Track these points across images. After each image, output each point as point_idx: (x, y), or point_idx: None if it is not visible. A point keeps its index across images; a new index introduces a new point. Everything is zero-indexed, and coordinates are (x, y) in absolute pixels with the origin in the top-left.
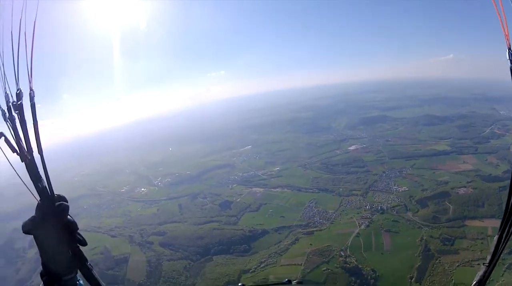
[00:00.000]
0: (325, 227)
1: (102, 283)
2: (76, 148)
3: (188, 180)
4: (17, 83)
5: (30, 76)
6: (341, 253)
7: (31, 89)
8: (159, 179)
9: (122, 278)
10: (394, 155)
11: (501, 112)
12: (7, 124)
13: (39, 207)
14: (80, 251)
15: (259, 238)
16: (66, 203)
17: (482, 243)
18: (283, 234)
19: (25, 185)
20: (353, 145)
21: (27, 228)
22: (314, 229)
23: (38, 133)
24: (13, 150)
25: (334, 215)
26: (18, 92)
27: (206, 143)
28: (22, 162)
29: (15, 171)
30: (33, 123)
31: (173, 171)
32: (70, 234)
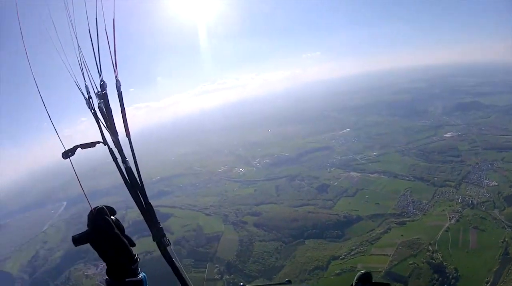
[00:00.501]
0: (417, 218)
1: (178, 261)
2: (173, 129)
3: (287, 162)
4: (100, 75)
5: (115, 66)
6: (429, 247)
7: (116, 80)
8: (257, 160)
9: (212, 255)
10: (487, 146)
11: None
12: (91, 112)
13: (90, 217)
14: (159, 227)
15: (353, 224)
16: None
17: None
18: (376, 222)
19: (81, 186)
20: (449, 132)
21: (80, 243)
22: (407, 219)
23: (126, 120)
24: (92, 145)
25: (428, 206)
26: (101, 83)
27: (305, 125)
28: (105, 145)
29: (78, 180)
30: (121, 110)
31: (272, 152)
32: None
